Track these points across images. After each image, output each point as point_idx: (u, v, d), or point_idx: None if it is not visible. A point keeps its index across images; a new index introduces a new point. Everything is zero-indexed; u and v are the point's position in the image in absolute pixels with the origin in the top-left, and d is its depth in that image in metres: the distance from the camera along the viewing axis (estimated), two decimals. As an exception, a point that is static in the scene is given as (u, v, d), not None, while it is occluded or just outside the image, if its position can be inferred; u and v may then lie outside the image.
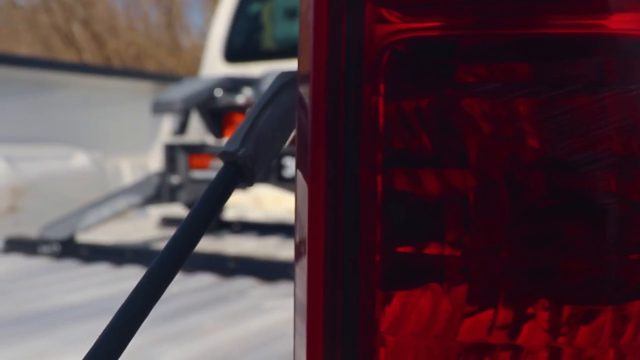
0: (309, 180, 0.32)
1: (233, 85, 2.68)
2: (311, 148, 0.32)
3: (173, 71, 10.71)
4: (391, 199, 0.34)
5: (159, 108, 2.69)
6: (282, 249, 2.86)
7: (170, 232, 3.38)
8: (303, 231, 0.34)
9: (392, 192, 0.34)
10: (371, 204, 0.33)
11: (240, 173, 0.44)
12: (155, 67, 11.13)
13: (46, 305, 1.95)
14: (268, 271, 2.27)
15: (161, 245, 2.89)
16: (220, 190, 0.43)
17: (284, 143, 0.45)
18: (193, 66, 10.40)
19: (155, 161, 4.13)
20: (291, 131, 0.45)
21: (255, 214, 3.86)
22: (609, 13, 0.35)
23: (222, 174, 0.44)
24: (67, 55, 11.10)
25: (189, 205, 3.03)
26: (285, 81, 0.44)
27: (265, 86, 2.54)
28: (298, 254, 0.36)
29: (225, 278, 2.29)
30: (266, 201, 4.07)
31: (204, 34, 11.42)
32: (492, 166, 0.34)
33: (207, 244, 2.99)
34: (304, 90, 0.35)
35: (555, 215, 0.36)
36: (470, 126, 0.33)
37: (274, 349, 1.56)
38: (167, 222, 3.52)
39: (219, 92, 2.67)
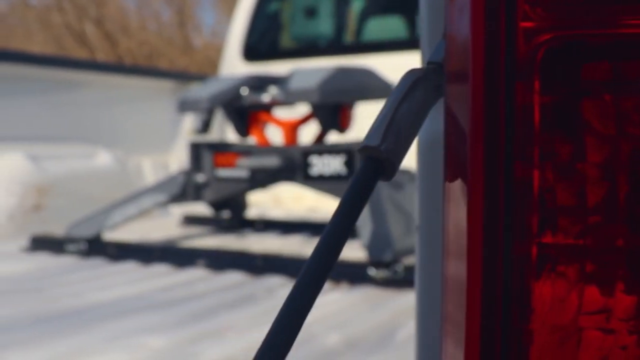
0: (470, 177, 0.33)
1: (259, 83, 2.68)
2: (470, 146, 0.33)
3: (185, 70, 10.73)
4: (545, 193, 0.34)
5: (185, 106, 2.70)
6: (306, 247, 2.86)
7: (193, 230, 3.39)
8: (457, 229, 0.34)
9: (545, 186, 0.34)
10: (528, 199, 0.34)
11: (381, 168, 0.45)
12: (167, 66, 11.17)
13: (79, 303, 1.96)
14: (297, 269, 2.28)
15: (186, 244, 2.89)
16: (364, 186, 0.44)
17: (414, 138, 0.46)
18: (204, 65, 10.43)
19: (175, 160, 4.15)
20: (420, 127, 0.46)
21: (275, 213, 3.86)
22: None
23: (364, 169, 0.45)
24: (79, 54, 11.15)
25: (212, 203, 3.04)
26: (416, 78, 0.45)
27: (292, 84, 2.53)
28: (448, 253, 0.37)
29: (253, 276, 2.30)
30: (286, 200, 4.08)
31: (215, 33, 11.45)
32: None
33: (231, 242, 3.00)
34: (458, 88, 0.36)
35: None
36: (627, 123, 0.34)
37: (311, 347, 1.56)
38: (189, 220, 3.53)
39: (244, 91, 2.67)
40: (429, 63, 0.47)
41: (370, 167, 0.45)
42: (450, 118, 0.38)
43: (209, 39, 12.07)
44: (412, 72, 0.46)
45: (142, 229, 3.26)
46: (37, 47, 11.41)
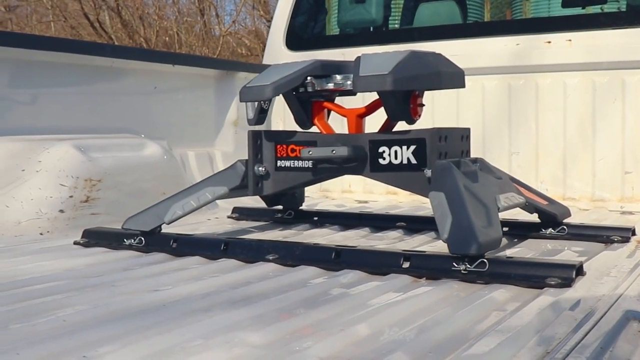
0: None
1: (324, 71, 2.57)
2: None
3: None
4: None
5: (248, 96, 2.60)
6: (371, 241, 2.78)
7: (247, 223, 3.30)
8: None
9: None
10: None
11: None
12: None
13: (158, 298, 1.88)
14: (370, 264, 2.19)
15: (247, 237, 2.80)
16: None
17: None
18: (225, 54, 10.32)
19: (219, 151, 4.06)
20: None
21: (324, 205, 3.78)
22: None
23: None
24: (96, 44, 11.05)
25: (270, 197, 2.95)
26: None
27: (361, 70, 2.40)
28: None
29: (326, 271, 2.22)
30: (334, 192, 4.00)
31: (235, 21, 11.33)
32: None
33: (291, 235, 2.92)
34: None
35: None
36: None
37: (419, 342, 1.47)
38: (239, 212, 3.45)
39: (309, 79, 2.57)
40: None
41: None
42: None
43: (228, 27, 11.93)
44: None
45: (192, 221, 3.18)
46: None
